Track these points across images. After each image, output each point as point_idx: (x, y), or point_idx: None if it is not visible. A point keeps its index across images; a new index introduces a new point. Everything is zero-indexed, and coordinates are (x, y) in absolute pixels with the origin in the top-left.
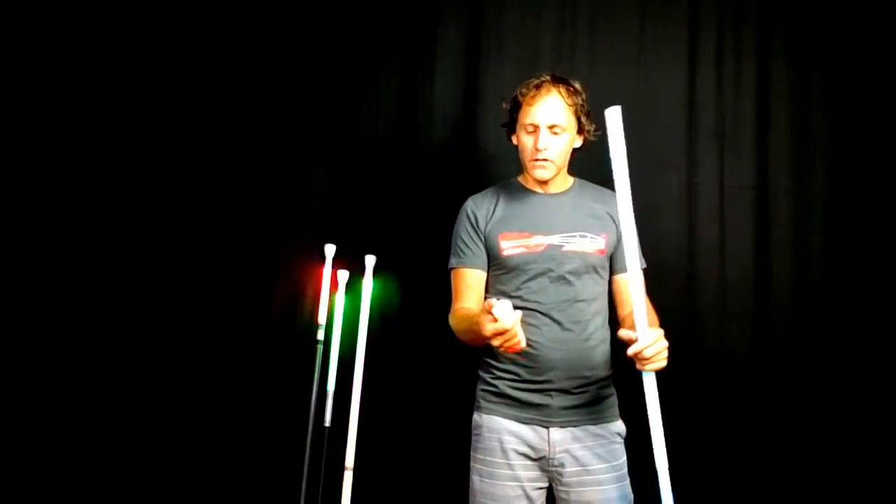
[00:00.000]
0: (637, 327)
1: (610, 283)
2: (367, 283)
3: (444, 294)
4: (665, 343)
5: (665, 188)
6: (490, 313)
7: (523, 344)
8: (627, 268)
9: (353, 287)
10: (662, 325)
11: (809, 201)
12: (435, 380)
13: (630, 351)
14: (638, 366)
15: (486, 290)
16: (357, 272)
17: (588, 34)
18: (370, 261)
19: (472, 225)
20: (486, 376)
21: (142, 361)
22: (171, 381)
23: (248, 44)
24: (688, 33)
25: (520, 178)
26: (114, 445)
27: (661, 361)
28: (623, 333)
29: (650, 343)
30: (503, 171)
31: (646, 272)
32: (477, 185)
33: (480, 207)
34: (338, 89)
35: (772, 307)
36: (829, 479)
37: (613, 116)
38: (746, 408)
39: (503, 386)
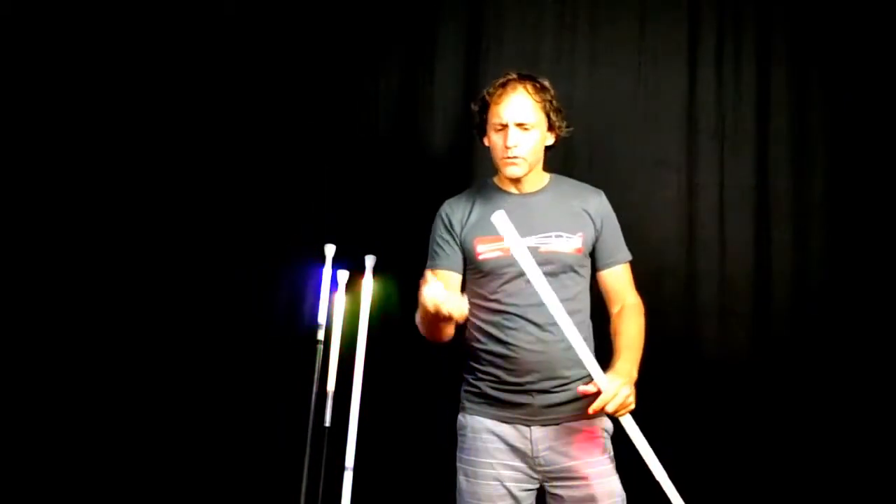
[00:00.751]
0: (595, 379)
1: (598, 278)
2: (367, 283)
3: None
4: (626, 390)
5: (665, 188)
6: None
7: (459, 313)
8: (564, 331)
9: (353, 287)
10: (663, 324)
11: (809, 201)
12: (435, 380)
13: (590, 410)
14: (608, 414)
15: (464, 293)
16: (357, 272)
17: (588, 34)
18: (370, 261)
19: (446, 229)
20: (469, 377)
21: (142, 361)
22: (172, 381)
23: (248, 44)
24: (688, 33)
25: (495, 179)
26: (114, 445)
27: (629, 407)
28: (581, 389)
29: (609, 398)
30: None
31: (646, 272)
32: None
33: (455, 212)
34: (338, 89)
35: (772, 307)
36: (828, 479)
37: (499, 219)
38: (746, 408)
39: (484, 387)
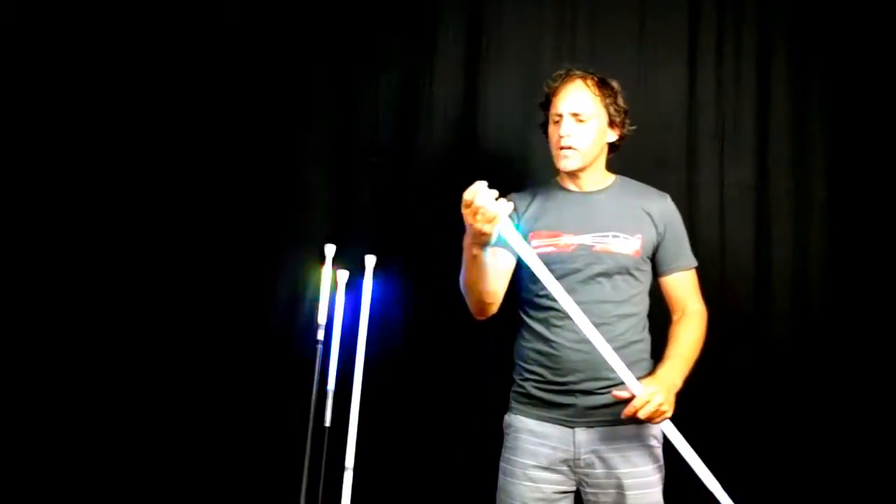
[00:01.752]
0: (627, 385)
1: (660, 284)
2: (367, 283)
3: (444, 293)
4: (660, 398)
5: (665, 188)
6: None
7: (493, 212)
8: (586, 334)
9: (353, 287)
10: (662, 325)
11: (809, 201)
12: (434, 380)
13: (622, 415)
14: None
15: (519, 289)
16: (357, 272)
17: (588, 34)
18: (370, 261)
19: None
20: (517, 378)
21: (141, 362)
22: (172, 381)
23: (249, 44)
24: (688, 34)
25: (558, 178)
26: (114, 445)
27: (664, 415)
28: (615, 393)
29: (640, 405)
30: (503, 171)
31: None
32: None
33: (518, 203)
34: (338, 89)
35: (772, 307)
36: (829, 479)
37: (505, 224)
38: (746, 408)
39: (529, 387)
